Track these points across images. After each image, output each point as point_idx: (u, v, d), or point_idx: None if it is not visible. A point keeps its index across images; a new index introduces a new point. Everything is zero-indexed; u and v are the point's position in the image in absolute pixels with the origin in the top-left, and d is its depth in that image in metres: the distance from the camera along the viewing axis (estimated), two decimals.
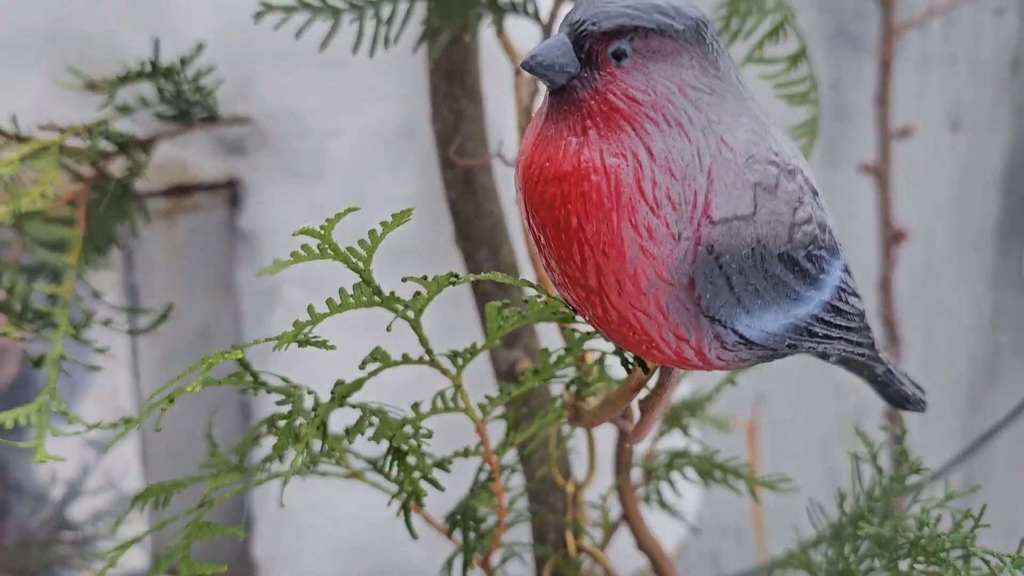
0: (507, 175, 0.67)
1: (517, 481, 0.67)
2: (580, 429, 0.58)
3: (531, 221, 0.39)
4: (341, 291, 0.44)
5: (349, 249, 0.43)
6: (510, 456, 0.63)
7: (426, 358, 0.48)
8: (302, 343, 0.44)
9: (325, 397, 0.51)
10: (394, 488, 0.54)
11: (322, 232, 0.42)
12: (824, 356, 0.45)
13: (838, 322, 0.42)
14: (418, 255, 0.71)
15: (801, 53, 0.63)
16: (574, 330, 0.51)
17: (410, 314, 0.45)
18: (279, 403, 0.49)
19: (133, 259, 0.75)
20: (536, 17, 0.60)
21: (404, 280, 0.44)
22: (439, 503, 0.59)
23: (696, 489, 0.81)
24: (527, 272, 0.68)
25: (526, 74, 0.62)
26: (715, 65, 0.38)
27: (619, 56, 0.37)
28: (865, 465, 0.56)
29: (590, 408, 0.51)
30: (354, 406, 0.49)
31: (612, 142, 0.37)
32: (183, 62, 0.63)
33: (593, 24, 0.37)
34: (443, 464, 0.51)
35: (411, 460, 0.49)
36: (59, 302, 0.59)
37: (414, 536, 0.50)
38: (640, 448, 0.65)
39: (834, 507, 0.58)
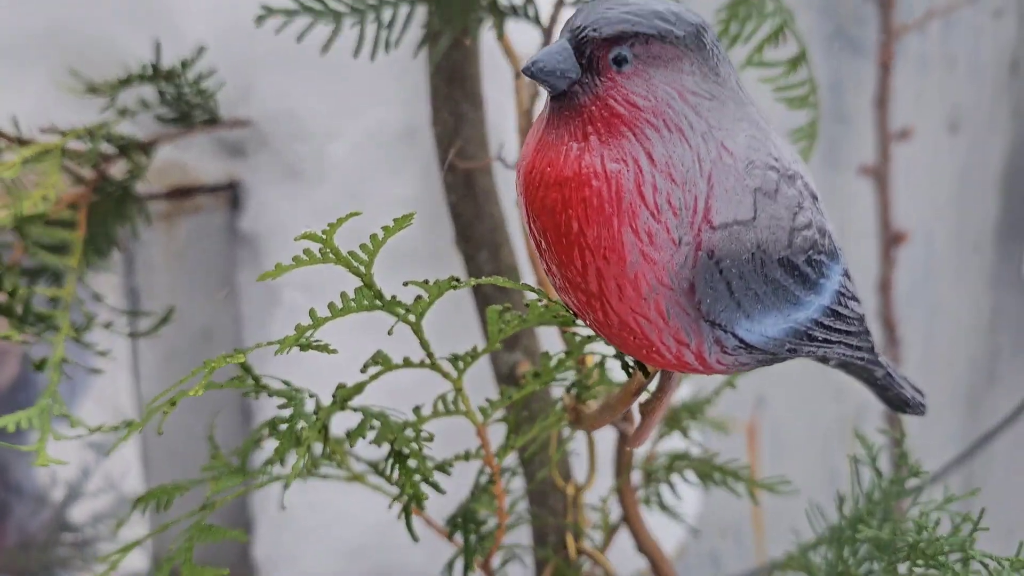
0: (507, 178, 0.68)
1: (518, 484, 0.67)
2: (580, 432, 0.59)
3: (532, 226, 0.39)
4: (343, 295, 0.44)
5: (351, 253, 0.43)
6: (511, 459, 0.63)
7: (427, 362, 0.48)
8: (304, 347, 0.44)
9: (326, 399, 0.51)
10: (395, 491, 0.54)
11: (324, 237, 0.42)
12: (824, 360, 0.45)
13: (838, 326, 0.43)
14: (418, 257, 0.72)
15: (800, 57, 0.63)
16: (575, 334, 0.51)
17: (411, 318, 0.46)
18: (281, 407, 0.49)
19: (134, 261, 0.75)
20: (536, 20, 0.60)
21: (405, 284, 0.44)
22: (439, 505, 0.59)
23: (696, 491, 0.81)
24: (527, 274, 0.68)
25: (527, 77, 0.63)
26: (715, 71, 0.38)
27: (620, 62, 0.37)
28: (864, 468, 0.56)
29: (590, 411, 0.51)
30: (355, 409, 0.50)
31: (613, 147, 0.37)
32: (184, 65, 0.63)
33: (594, 30, 0.37)
34: (444, 467, 0.51)
35: (412, 463, 0.49)
36: (60, 305, 0.59)
37: (415, 539, 0.50)
38: (640, 450, 0.65)
39: (833, 509, 0.58)
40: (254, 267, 0.77)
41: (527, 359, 0.63)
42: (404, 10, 0.60)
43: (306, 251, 0.42)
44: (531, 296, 0.46)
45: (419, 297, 0.45)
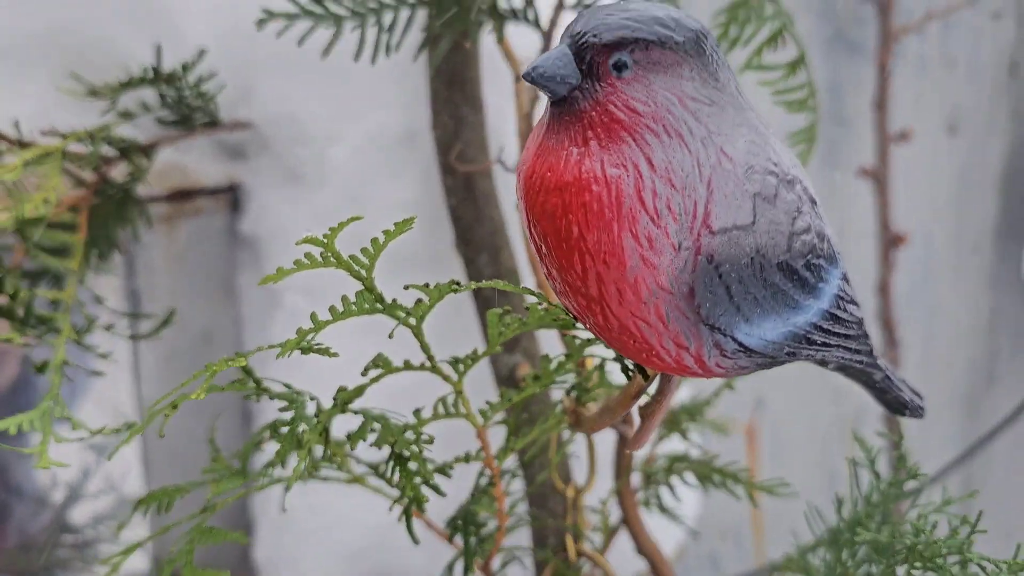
0: (507, 181, 0.68)
1: (517, 486, 0.67)
2: (580, 434, 0.59)
3: (532, 230, 0.39)
4: (344, 299, 0.44)
5: (352, 257, 0.43)
6: (510, 461, 0.63)
7: (428, 364, 0.48)
8: (305, 351, 0.44)
9: (326, 401, 0.51)
10: (395, 493, 0.55)
11: (325, 241, 0.42)
12: (823, 363, 0.45)
13: (837, 330, 0.43)
14: (419, 260, 0.72)
15: (799, 60, 0.64)
16: (574, 336, 0.51)
17: (412, 321, 0.46)
18: (282, 409, 0.49)
19: (135, 264, 0.75)
20: (536, 24, 0.60)
21: (406, 288, 0.45)
22: (440, 507, 0.59)
23: (695, 493, 0.81)
24: (527, 277, 0.68)
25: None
26: (715, 76, 0.38)
27: (620, 68, 0.37)
28: (863, 470, 0.56)
29: (590, 414, 0.51)
30: (356, 412, 0.50)
31: (613, 153, 0.37)
32: (185, 68, 0.63)
33: (594, 36, 0.37)
34: (444, 469, 0.51)
35: (412, 466, 0.49)
36: (61, 307, 0.59)
37: (415, 541, 0.51)
38: (639, 452, 0.65)
39: (832, 512, 0.58)
40: (254, 270, 0.77)
41: (527, 362, 0.63)
42: (404, 14, 0.60)
43: (307, 255, 0.42)
44: (531, 299, 0.46)
45: (419, 300, 0.45)
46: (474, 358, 0.49)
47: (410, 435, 0.49)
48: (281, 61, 0.70)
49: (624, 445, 0.58)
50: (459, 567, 0.56)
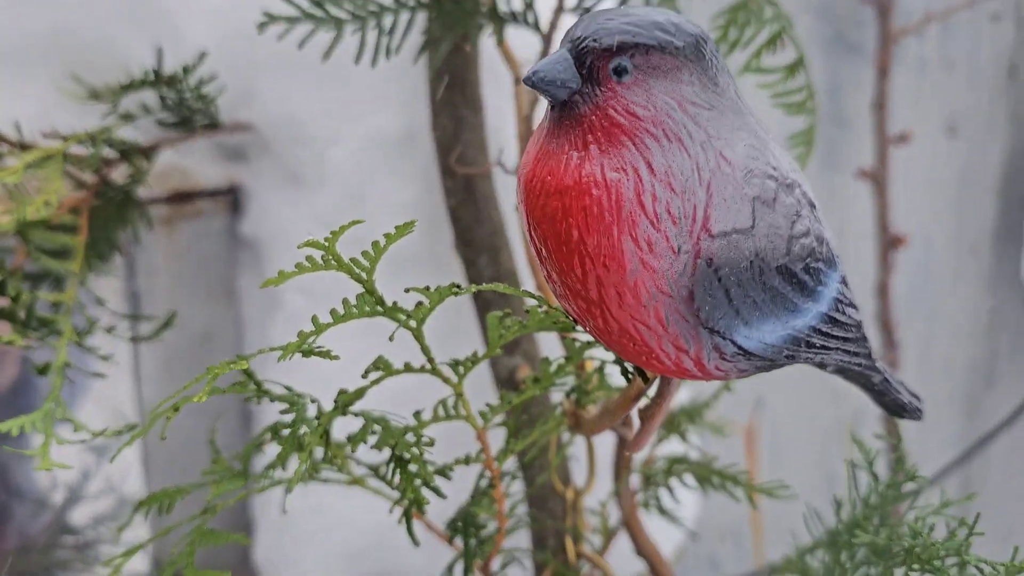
0: (507, 182, 0.68)
1: (517, 487, 0.67)
2: (579, 436, 0.59)
3: (533, 233, 0.39)
4: (344, 301, 0.44)
5: (352, 260, 0.43)
6: (510, 463, 0.64)
7: (428, 366, 0.48)
8: (306, 353, 0.44)
9: (326, 402, 0.51)
10: (395, 494, 0.55)
11: (326, 244, 0.42)
12: (822, 366, 0.46)
13: (835, 333, 0.43)
14: (419, 262, 0.72)
15: (798, 62, 0.64)
16: (574, 339, 0.51)
17: (412, 324, 0.46)
18: (283, 412, 0.49)
19: (135, 265, 0.75)
20: (536, 27, 0.61)
21: (407, 291, 0.45)
22: (439, 509, 0.60)
23: (694, 494, 0.81)
24: (527, 278, 0.69)
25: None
26: (714, 81, 0.39)
27: (620, 72, 0.37)
28: (861, 472, 0.56)
29: (590, 416, 0.51)
30: (356, 414, 0.50)
31: (613, 157, 0.37)
32: (186, 70, 0.63)
33: (594, 40, 0.37)
34: (444, 471, 0.51)
35: (413, 468, 0.49)
36: (62, 309, 0.59)
37: (415, 543, 0.51)
38: (639, 454, 0.65)
39: (831, 513, 0.58)
40: (255, 271, 0.77)
41: (527, 364, 0.63)
42: (405, 17, 0.60)
43: (309, 258, 0.42)
44: (531, 302, 0.46)
45: (420, 303, 0.45)
46: (474, 360, 0.49)
47: (410, 437, 0.49)
48: (281, 63, 0.71)
49: (624, 447, 0.58)
50: (459, 568, 0.56)
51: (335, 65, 0.63)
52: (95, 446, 0.76)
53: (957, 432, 1.35)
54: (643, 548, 0.61)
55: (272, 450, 0.69)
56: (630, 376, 0.47)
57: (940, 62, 1.24)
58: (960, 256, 1.32)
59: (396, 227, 0.42)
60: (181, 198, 0.75)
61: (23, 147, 0.60)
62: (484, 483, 0.54)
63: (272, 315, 0.75)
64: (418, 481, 0.48)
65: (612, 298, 0.38)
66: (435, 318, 0.50)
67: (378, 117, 0.72)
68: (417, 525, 0.52)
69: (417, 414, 0.50)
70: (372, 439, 0.53)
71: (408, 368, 0.48)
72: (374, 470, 0.55)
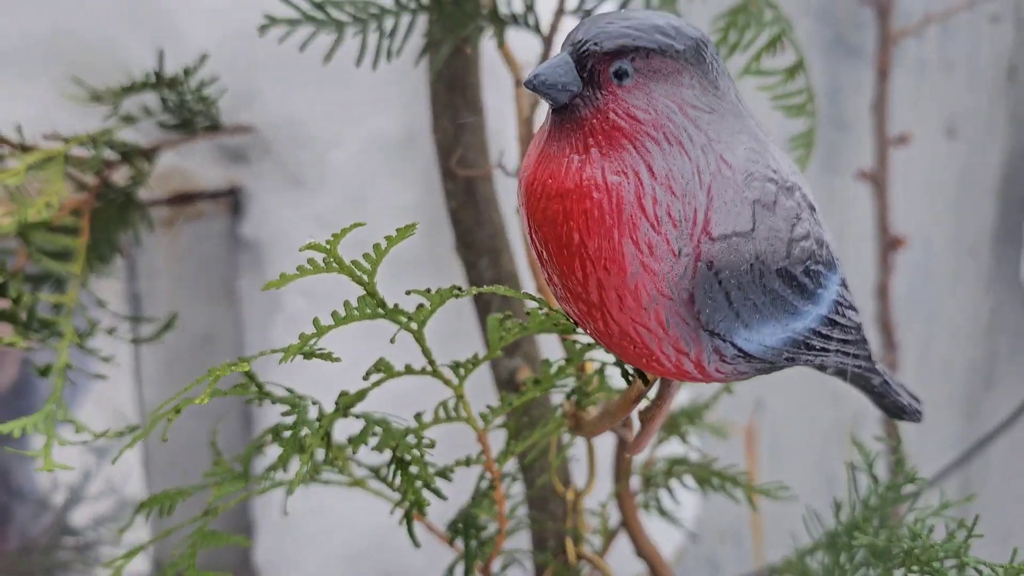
0: (507, 185, 0.68)
1: (518, 489, 0.68)
2: (580, 438, 0.59)
3: (534, 237, 0.39)
4: (346, 303, 0.44)
5: (354, 262, 0.43)
6: (511, 464, 0.64)
7: (429, 368, 0.48)
8: (307, 356, 0.44)
9: (327, 404, 0.51)
10: (396, 495, 0.55)
11: (327, 246, 0.42)
12: (821, 368, 0.46)
13: (835, 335, 0.43)
14: (419, 263, 0.72)
15: (798, 65, 0.64)
16: (575, 341, 0.51)
17: (413, 326, 0.46)
18: (284, 414, 0.49)
19: (136, 267, 0.75)
20: (537, 29, 0.61)
21: (408, 293, 0.45)
22: (440, 510, 0.60)
23: (694, 496, 0.81)
24: (527, 280, 0.69)
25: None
26: (715, 84, 0.39)
27: (621, 76, 0.38)
28: (861, 473, 0.57)
29: (590, 418, 0.51)
30: (358, 416, 0.50)
31: (614, 160, 0.38)
32: (187, 72, 0.64)
33: (595, 44, 0.37)
34: (445, 473, 0.51)
35: (414, 469, 0.49)
36: (64, 311, 0.60)
37: (416, 544, 0.51)
38: (639, 456, 0.65)
39: (831, 515, 0.58)
40: (255, 273, 0.77)
41: (527, 365, 0.64)
42: (405, 19, 0.60)
43: (310, 260, 0.42)
44: (532, 304, 0.46)
45: (421, 305, 0.45)
46: (475, 362, 0.49)
47: (411, 439, 0.49)
48: (282, 65, 0.71)
49: (624, 449, 0.58)
50: (459, 570, 0.56)
51: (336, 67, 0.63)
52: (96, 447, 0.76)
53: (956, 434, 1.35)
54: (643, 549, 0.61)
55: (273, 452, 0.69)
56: (630, 378, 0.47)
57: (940, 63, 1.25)
58: (960, 257, 1.32)
59: (397, 229, 0.42)
60: (182, 200, 0.75)
61: (24, 149, 0.60)
62: (485, 484, 0.54)
63: (273, 317, 0.75)
64: (419, 483, 0.48)
65: (613, 301, 0.38)
66: (436, 320, 0.50)
67: (379, 119, 0.72)
68: (418, 527, 0.52)
69: (418, 416, 0.50)
70: (373, 441, 0.53)
71: (409, 370, 0.49)
72: (375, 472, 0.56)
